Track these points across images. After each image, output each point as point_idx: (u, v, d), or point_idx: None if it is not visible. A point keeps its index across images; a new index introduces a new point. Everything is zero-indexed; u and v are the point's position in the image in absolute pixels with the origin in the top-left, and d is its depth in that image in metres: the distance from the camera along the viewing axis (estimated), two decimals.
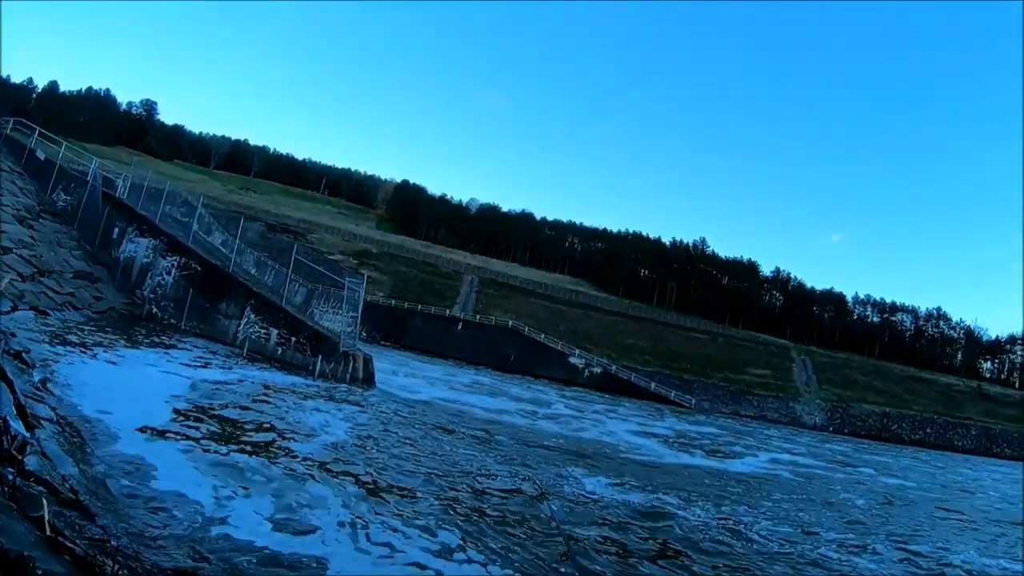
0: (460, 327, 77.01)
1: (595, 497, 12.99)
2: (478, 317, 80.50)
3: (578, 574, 7.98)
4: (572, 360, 72.92)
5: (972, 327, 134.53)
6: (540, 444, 19.85)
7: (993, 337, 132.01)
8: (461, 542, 8.53)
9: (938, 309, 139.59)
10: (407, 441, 15.21)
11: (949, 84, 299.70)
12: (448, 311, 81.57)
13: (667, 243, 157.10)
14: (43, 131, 32.08)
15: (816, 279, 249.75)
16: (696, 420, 49.94)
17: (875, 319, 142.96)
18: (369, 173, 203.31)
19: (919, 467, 41.24)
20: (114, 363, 15.41)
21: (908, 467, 39.63)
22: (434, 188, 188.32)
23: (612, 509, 12.18)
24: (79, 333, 17.92)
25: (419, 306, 78.94)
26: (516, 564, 8.06)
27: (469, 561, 7.95)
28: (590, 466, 17.09)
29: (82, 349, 15.62)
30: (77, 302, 22.23)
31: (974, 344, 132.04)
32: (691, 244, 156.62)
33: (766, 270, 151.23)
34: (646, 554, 9.68)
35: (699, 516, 12.90)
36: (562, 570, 8.13)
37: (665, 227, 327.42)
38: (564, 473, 15.10)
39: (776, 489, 19.80)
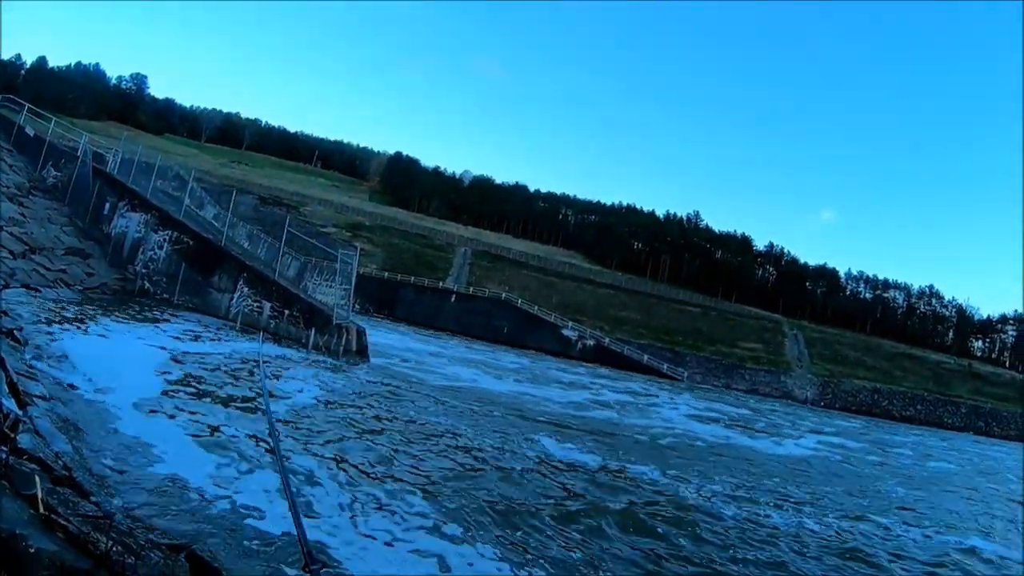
0: (453, 299, 77.06)
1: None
2: (471, 289, 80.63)
3: None
4: (565, 332, 73.01)
5: (964, 306, 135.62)
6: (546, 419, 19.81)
7: (985, 316, 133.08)
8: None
9: (930, 287, 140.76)
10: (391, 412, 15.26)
11: (941, 56, 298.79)
12: (441, 283, 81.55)
13: (661, 216, 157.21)
14: (32, 107, 31.96)
15: (809, 255, 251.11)
16: (712, 397, 50.20)
17: (867, 295, 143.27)
18: (362, 145, 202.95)
19: (947, 449, 41.64)
20: (106, 338, 15.43)
21: (940, 448, 40.03)
22: (427, 160, 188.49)
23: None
24: (71, 309, 17.94)
25: (412, 278, 78.91)
26: None
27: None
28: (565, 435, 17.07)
29: (74, 325, 15.63)
30: (69, 279, 22.22)
31: (966, 323, 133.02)
32: (685, 217, 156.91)
33: (760, 245, 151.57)
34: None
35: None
36: None
37: (659, 200, 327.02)
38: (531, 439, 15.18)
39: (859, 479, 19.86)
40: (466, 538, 7.87)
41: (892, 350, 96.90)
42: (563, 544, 8.35)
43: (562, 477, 11.92)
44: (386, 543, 7.23)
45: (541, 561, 7.59)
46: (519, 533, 8.42)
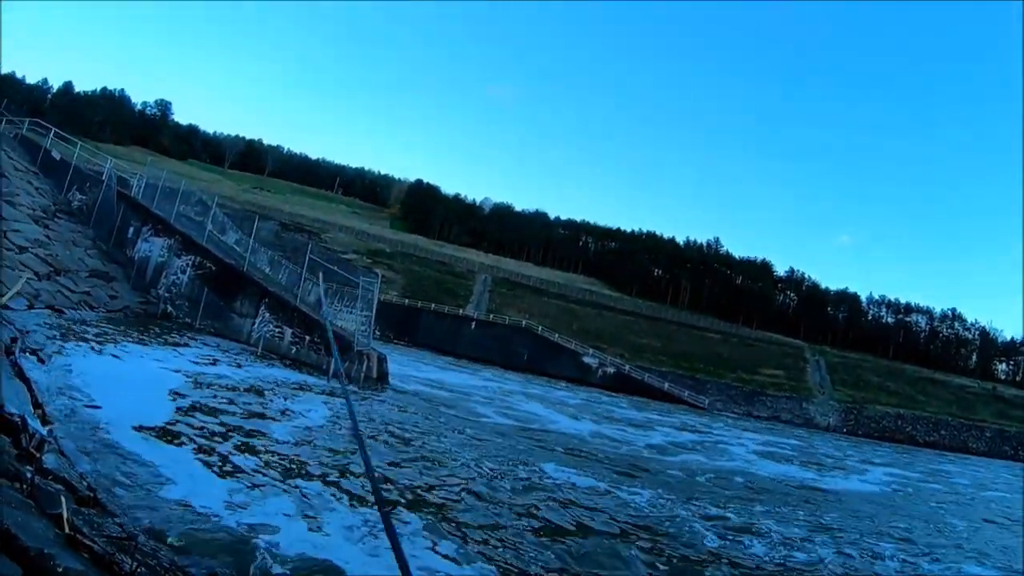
0: (473, 326, 77.04)
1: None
2: (491, 316, 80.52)
3: None
4: (586, 360, 72.75)
5: (987, 328, 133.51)
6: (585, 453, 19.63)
7: (1008, 338, 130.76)
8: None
9: (953, 310, 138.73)
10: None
11: (959, 78, 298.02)
12: (461, 310, 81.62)
13: (681, 243, 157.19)
14: (58, 131, 32.22)
15: (829, 279, 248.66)
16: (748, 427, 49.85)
17: (889, 320, 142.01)
18: (383, 172, 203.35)
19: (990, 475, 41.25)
20: (127, 361, 15.47)
21: (985, 478, 39.78)
22: (447, 187, 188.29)
23: None
24: (94, 331, 18.01)
25: (432, 305, 78.99)
26: None
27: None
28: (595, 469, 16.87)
29: (96, 347, 15.68)
30: (92, 301, 22.35)
31: (989, 345, 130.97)
32: (705, 244, 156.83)
33: (780, 270, 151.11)
34: None
35: None
36: None
37: (679, 227, 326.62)
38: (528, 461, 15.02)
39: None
40: None
41: (915, 374, 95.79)
42: None
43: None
44: None
45: None
46: None
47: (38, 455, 5.72)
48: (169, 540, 5.80)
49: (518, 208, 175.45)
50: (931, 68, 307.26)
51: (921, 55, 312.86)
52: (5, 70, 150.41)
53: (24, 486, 4.55)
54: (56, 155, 30.33)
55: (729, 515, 13.57)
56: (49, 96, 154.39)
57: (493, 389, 36.98)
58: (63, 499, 4.44)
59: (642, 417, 39.46)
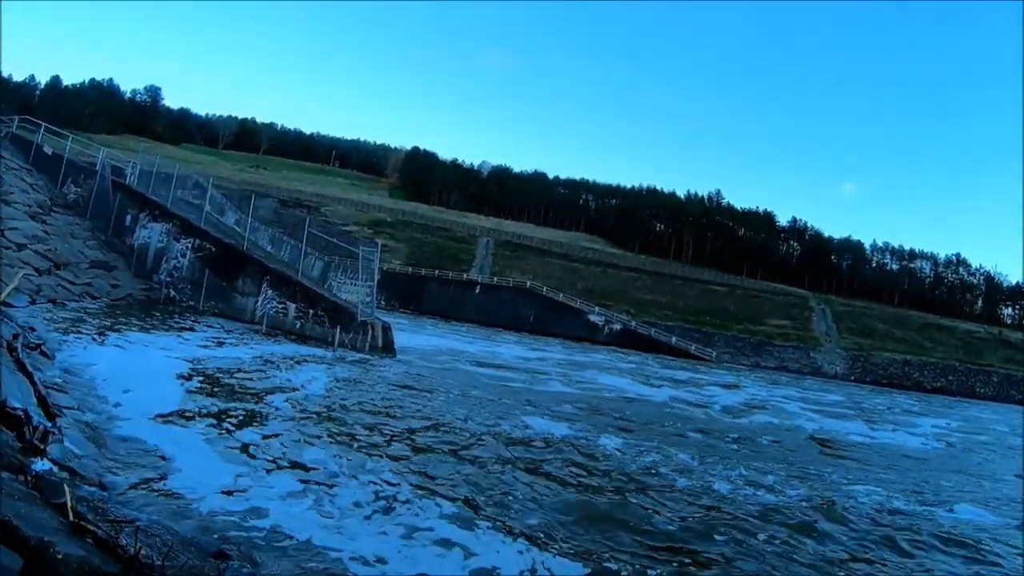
0: (477, 290, 77.46)
1: None
2: (495, 279, 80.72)
3: None
4: (591, 318, 73.05)
5: (992, 273, 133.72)
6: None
7: (1014, 283, 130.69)
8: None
9: (957, 255, 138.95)
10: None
11: (956, 14, 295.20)
12: (465, 275, 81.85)
13: (682, 197, 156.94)
14: (49, 126, 32.29)
15: (833, 228, 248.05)
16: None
17: (894, 267, 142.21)
18: (379, 143, 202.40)
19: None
20: (131, 348, 15.57)
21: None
22: (445, 153, 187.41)
23: None
24: (97, 322, 18.13)
25: (436, 272, 79.30)
26: None
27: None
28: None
29: (100, 337, 15.80)
30: (95, 291, 22.50)
31: (994, 290, 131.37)
32: (706, 197, 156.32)
33: (783, 220, 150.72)
34: None
35: None
36: None
37: (679, 180, 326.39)
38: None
39: None
40: None
41: (921, 321, 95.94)
42: None
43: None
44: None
45: None
46: None
47: (43, 447, 5.84)
48: (174, 523, 5.91)
49: (517, 170, 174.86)
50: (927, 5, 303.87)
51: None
52: None
53: (28, 478, 4.67)
54: (48, 150, 30.40)
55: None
56: (37, 92, 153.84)
57: (513, 355, 36.78)
58: (66, 488, 4.55)
59: (687, 376, 39.88)
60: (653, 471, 11.89)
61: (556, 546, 7.53)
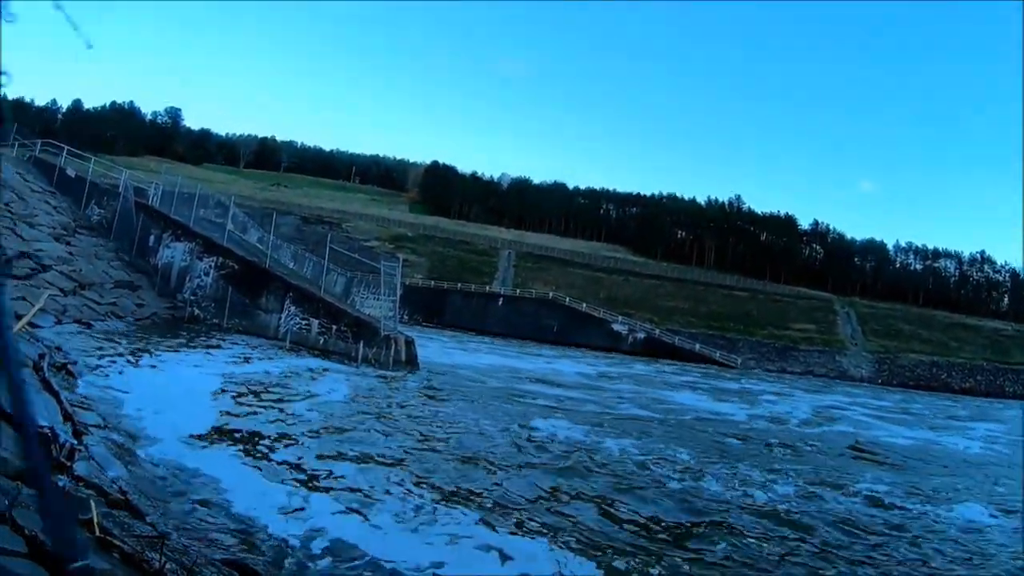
0: (500, 302, 77.30)
1: None
2: (517, 291, 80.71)
3: None
4: (615, 327, 72.76)
5: (1018, 270, 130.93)
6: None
7: None
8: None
9: (982, 253, 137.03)
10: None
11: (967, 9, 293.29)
12: (487, 287, 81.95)
13: (702, 203, 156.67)
14: (71, 149, 32.75)
15: (855, 229, 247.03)
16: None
17: (918, 267, 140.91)
18: (398, 158, 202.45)
19: None
20: (156, 366, 15.68)
21: None
22: (464, 166, 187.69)
23: None
24: (123, 341, 18.25)
25: (458, 285, 79.31)
26: None
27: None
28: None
29: (126, 356, 15.90)
30: (119, 311, 22.64)
31: (1021, 287, 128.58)
32: (726, 202, 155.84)
33: (804, 223, 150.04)
34: None
35: None
36: None
37: (699, 186, 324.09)
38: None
39: None
40: None
41: (946, 321, 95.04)
42: None
43: None
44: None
45: None
46: None
47: (69, 464, 5.86)
48: (200, 536, 5.92)
49: (536, 181, 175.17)
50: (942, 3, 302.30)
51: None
52: (13, 96, 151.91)
53: None
54: (71, 172, 30.75)
55: None
56: (59, 116, 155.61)
57: (537, 367, 35.98)
58: (93, 504, 4.55)
59: (736, 387, 39.39)
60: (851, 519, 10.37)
61: None
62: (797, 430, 22.07)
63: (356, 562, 6.46)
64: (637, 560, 7.55)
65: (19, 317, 12.56)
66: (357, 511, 8.06)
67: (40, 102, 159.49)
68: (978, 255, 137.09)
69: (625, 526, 8.76)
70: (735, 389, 36.31)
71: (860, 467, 15.59)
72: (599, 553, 7.59)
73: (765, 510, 10.26)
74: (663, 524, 9.09)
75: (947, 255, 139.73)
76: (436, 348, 35.93)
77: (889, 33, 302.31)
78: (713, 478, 12.00)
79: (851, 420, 26.99)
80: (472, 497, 9.14)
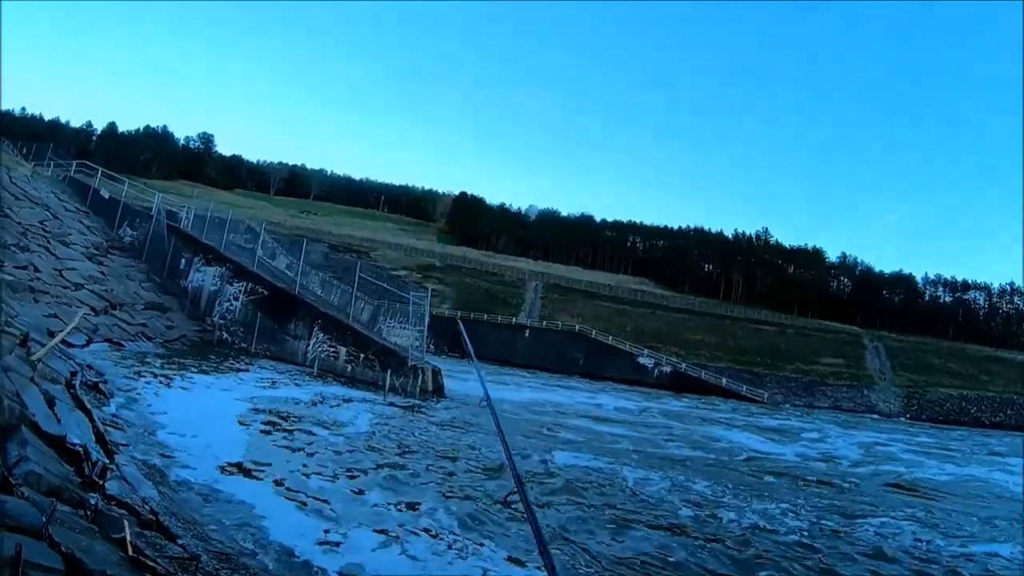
0: (527, 334, 76.92)
1: None
2: (544, 323, 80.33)
3: None
4: (641, 360, 72.38)
5: None
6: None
7: None
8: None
9: (1011, 284, 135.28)
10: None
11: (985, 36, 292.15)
12: (514, 319, 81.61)
13: (729, 236, 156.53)
14: (105, 171, 33.08)
15: (883, 261, 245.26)
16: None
17: (947, 299, 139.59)
18: (427, 188, 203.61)
19: None
20: (187, 388, 15.70)
21: None
22: (492, 198, 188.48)
23: None
24: (153, 362, 18.30)
25: (485, 316, 78.97)
26: None
27: None
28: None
29: (156, 377, 15.92)
30: (149, 332, 22.72)
31: None
32: (753, 235, 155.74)
33: (832, 255, 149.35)
34: None
35: None
36: None
37: (726, 220, 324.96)
38: None
39: None
40: None
41: (977, 354, 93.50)
42: None
43: None
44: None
45: None
46: None
47: (101, 482, 5.81)
48: (232, 559, 5.83)
49: (564, 213, 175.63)
50: (957, 32, 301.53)
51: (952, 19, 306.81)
52: (49, 116, 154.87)
53: (88, 512, 4.62)
54: (105, 194, 31.04)
55: None
56: (94, 138, 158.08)
57: (579, 401, 35.80)
58: (126, 523, 4.50)
59: (776, 423, 38.61)
60: None
61: None
62: (855, 470, 21.16)
63: None
64: None
65: (52, 335, 12.59)
66: (394, 544, 7.98)
67: (75, 123, 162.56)
68: (1008, 286, 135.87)
69: None
70: (774, 426, 35.52)
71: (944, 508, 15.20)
72: None
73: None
74: None
75: (976, 287, 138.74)
76: (468, 380, 35.79)
77: (917, 64, 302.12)
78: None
79: (900, 459, 26.31)
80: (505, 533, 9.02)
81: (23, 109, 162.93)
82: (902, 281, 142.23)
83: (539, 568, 7.78)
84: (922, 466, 24.28)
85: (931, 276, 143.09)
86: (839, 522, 12.26)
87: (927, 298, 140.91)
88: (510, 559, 8.06)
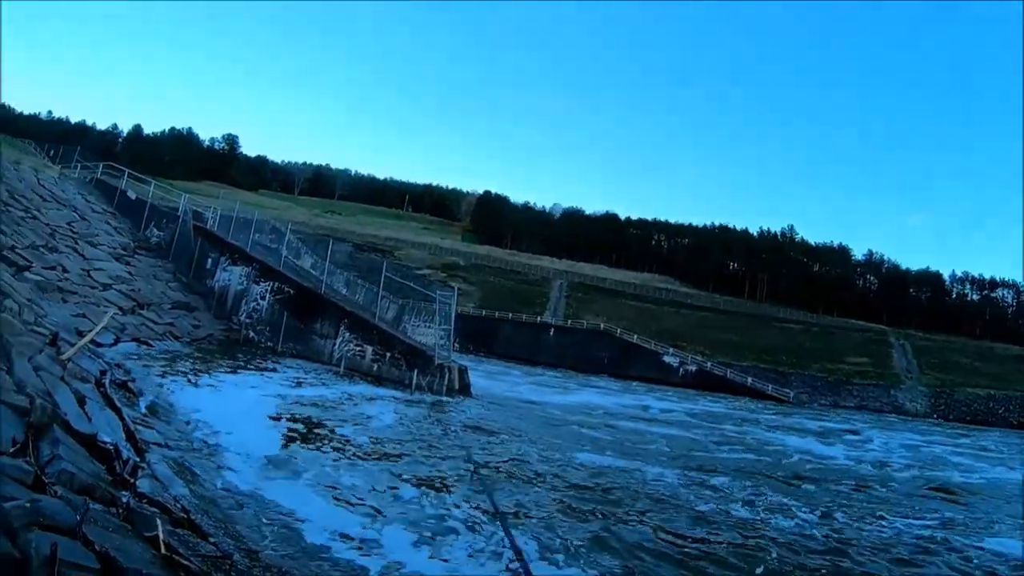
0: (551, 333, 76.89)
1: None
2: (569, 322, 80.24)
3: None
4: (666, 359, 72.10)
5: None
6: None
7: None
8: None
9: None
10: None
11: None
12: (539, 318, 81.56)
13: (754, 234, 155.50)
14: (131, 172, 33.36)
15: (910, 259, 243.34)
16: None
17: (974, 297, 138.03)
18: (451, 187, 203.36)
19: None
20: (214, 387, 15.76)
21: None
22: (516, 197, 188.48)
23: None
24: (180, 361, 18.38)
25: (509, 315, 79.11)
26: None
27: None
28: None
29: (184, 376, 15.99)
30: (177, 331, 22.83)
31: None
32: (779, 233, 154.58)
33: (858, 253, 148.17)
34: None
35: None
36: None
37: (751, 217, 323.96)
38: None
39: None
40: None
41: (1005, 353, 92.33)
42: None
43: None
44: None
45: None
46: None
47: (132, 480, 5.81)
48: (263, 558, 5.81)
49: (588, 212, 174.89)
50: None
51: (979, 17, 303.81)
52: (75, 119, 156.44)
53: (120, 510, 4.62)
54: (132, 195, 31.28)
55: None
56: (120, 140, 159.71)
57: (625, 404, 34.61)
58: (158, 521, 4.48)
59: (817, 426, 37.40)
60: None
61: None
62: (913, 475, 20.62)
63: None
64: None
65: (81, 334, 12.64)
66: (429, 542, 7.99)
67: (101, 126, 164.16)
68: None
69: None
70: (814, 428, 34.91)
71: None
72: None
73: None
74: None
75: (1005, 284, 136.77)
76: (498, 380, 35.72)
77: (943, 62, 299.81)
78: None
79: (950, 461, 25.86)
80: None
81: (49, 112, 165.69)
82: (929, 279, 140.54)
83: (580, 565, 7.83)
84: (981, 470, 23.89)
85: (958, 274, 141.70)
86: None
87: (954, 296, 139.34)
88: (542, 559, 8.00)
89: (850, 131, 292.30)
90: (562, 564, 7.94)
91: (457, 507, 9.43)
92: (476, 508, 9.49)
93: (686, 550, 9.13)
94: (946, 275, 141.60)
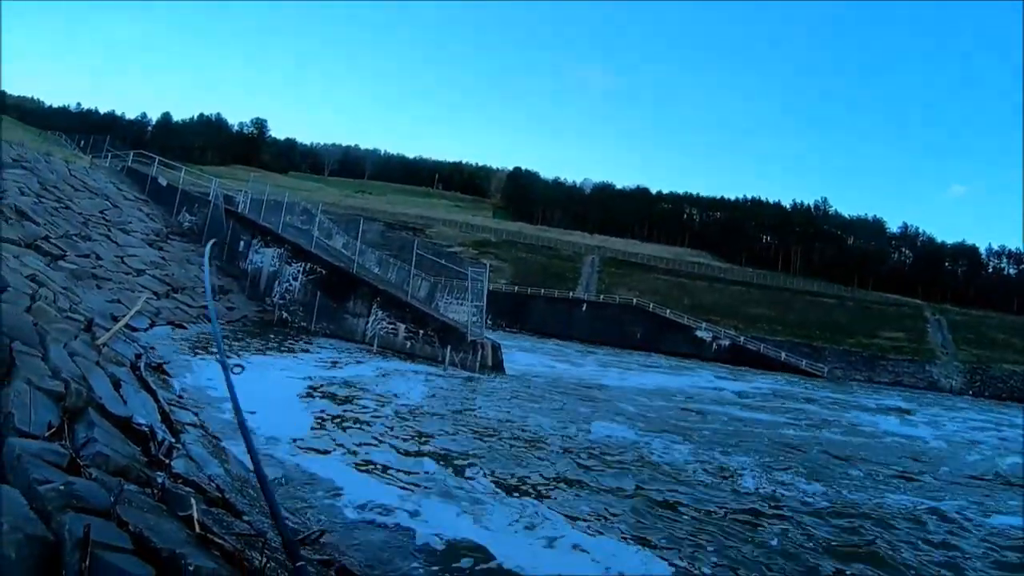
0: (584, 308, 76.82)
1: None
2: (601, 297, 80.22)
3: None
4: (699, 334, 71.84)
5: None
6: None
7: None
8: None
9: None
10: None
11: None
12: (571, 293, 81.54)
13: (787, 207, 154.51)
14: (162, 160, 33.66)
15: (945, 232, 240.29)
16: None
17: (1011, 271, 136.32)
18: (480, 164, 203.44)
19: None
20: (253, 368, 15.81)
21: None
22: (546, 172, 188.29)
23: None
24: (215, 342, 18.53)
25: (541, 290, 79.16)
26: None
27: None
28: None
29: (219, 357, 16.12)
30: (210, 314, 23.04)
31: None
32: (812, 205, 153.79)
33: (893, 227, 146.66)
34: None
35: None
36: None
37: (784, 190, 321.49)
38: None
39: None
40: None
41: None
42: None
43: None
44: None
45: None
46: None
47: (167, 461, 5.86)
48: (299, 533, 5.84)
49: (619, 186, 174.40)
50: None
51: None
52: (104, 109, 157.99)
53: (155, 491, 4.65)
54: (163, 181, 31.56)
55: None
56: (149, 128, 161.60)
57: (701, 387, 33.66)
58: (193, 501, 4.51)
59: (873, 403, 36.69)
60: None
61: None
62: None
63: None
64: None
65: (115, 319, 12.75)
66: (469, 513, 8.05)
67: (131, 115, 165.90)
68: None
69: None
70: (873, 407, 34.02)
71: None
72: None
73: None
74: None
75: None
76: (529, 355, 35.57)
77: (980, 34, 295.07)
78: None
79: None
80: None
81: (78, 104, 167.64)
82: (965, 252, 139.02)
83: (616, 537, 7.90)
84: None
85: (995, 247, 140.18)
86: None
87: (990, 270, 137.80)
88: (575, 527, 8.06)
89: (888, 101, 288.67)
90: None
91: (499, 484, 9.47)
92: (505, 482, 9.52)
93: None
94: (982, 249, 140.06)
